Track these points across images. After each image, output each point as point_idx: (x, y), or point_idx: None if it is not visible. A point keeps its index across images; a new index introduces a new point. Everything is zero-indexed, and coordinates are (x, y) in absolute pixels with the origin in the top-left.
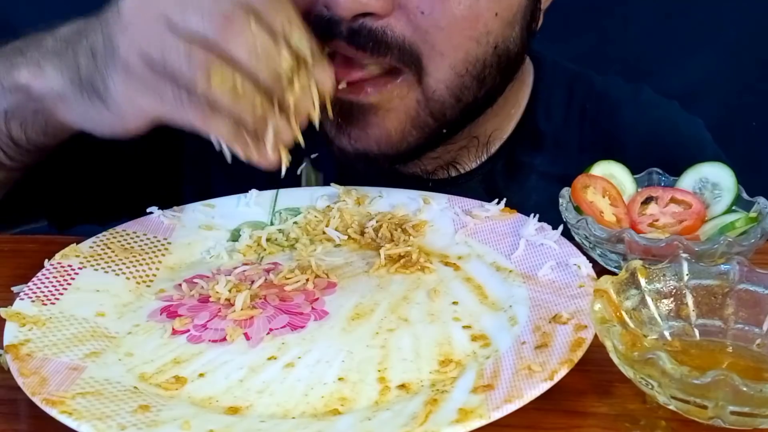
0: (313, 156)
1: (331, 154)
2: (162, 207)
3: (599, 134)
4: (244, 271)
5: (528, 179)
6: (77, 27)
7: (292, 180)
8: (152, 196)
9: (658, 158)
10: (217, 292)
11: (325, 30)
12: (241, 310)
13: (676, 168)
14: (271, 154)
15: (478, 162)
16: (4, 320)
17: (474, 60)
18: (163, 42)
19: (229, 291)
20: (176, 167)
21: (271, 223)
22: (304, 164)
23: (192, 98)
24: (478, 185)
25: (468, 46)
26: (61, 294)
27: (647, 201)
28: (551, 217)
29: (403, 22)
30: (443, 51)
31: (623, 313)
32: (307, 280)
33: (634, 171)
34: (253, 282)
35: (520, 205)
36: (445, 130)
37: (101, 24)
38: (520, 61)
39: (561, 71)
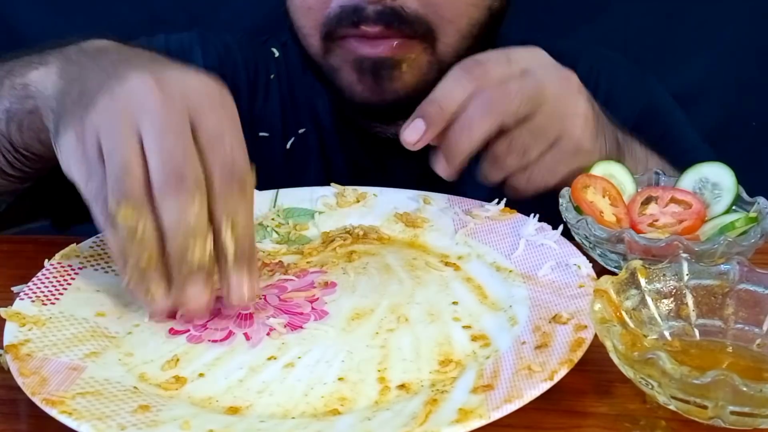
0: (300, 131)
1: (331, 104)
2: None
3: None
4: None
5: None
6: (102, 46)
7: (282, 156)
8: None
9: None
10: None
11: (352, 16)
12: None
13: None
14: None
15: None
16: (4, 320)
17: (476, 23)
18: (120, 144)
19: None
20: None
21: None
22: (292, 139)
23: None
24: None
25: (470, 11)
26: (61, 294)
27: (647, 201)
28: None
29: None
30: (451, 18)
31: (623, 313)
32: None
33: None
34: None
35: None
36: None
37: (106, 78)
38: (504, 15)
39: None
